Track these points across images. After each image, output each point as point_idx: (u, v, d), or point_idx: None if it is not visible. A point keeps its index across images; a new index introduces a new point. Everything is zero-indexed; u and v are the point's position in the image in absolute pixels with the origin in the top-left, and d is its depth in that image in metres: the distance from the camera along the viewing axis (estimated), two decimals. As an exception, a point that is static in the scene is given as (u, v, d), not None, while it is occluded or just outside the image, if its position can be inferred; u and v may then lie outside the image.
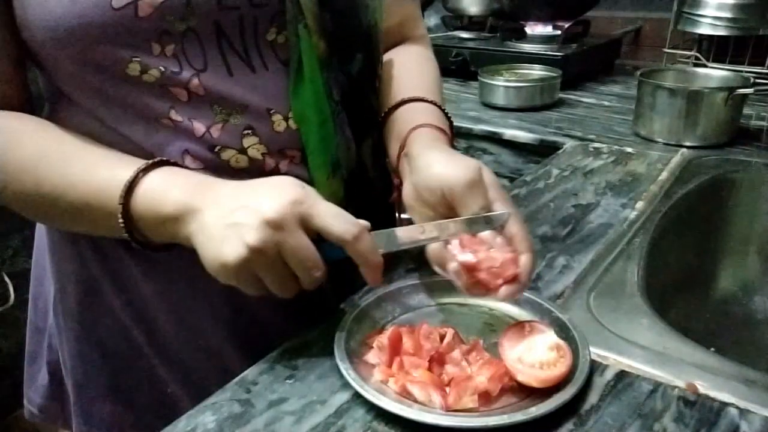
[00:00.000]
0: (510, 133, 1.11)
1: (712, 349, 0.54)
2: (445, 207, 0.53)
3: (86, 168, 0.52)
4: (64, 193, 0.52)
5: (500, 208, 0.52)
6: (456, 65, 1.46)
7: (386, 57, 0.72)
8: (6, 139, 0.53)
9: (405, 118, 0.64)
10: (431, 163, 0.55)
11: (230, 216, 0.46)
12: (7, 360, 1.65)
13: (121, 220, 0.50)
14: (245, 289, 0.48)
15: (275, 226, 0.45)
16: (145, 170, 0.50)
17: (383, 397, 0.45)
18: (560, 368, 0.46)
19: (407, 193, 0.57)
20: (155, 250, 0.53)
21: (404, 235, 0.52)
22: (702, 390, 0.48)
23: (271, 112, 0.56)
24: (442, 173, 0.53)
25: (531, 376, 0.46)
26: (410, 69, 0.72)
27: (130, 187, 0.49)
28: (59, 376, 0.71)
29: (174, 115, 0.53)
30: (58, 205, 0.53)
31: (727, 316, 0.88)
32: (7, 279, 1.54)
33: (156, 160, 0.51)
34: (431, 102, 0.66)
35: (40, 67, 0.56)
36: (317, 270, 0.48)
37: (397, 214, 0.66)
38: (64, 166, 0.52)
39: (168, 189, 0.50)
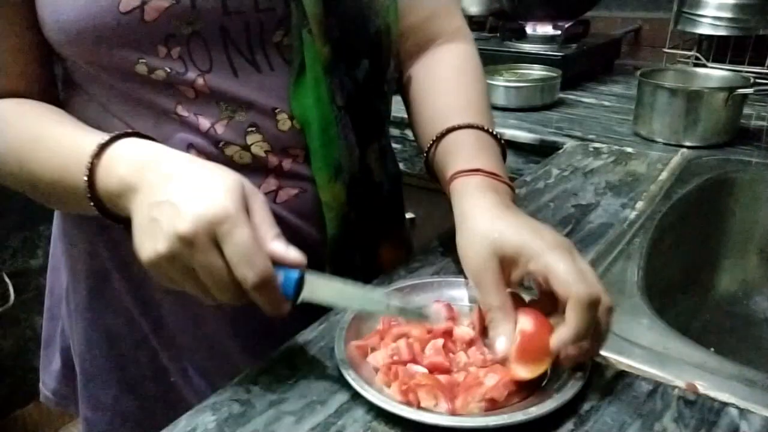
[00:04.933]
0: (510, 133, 1.11)
1: (712, 349, 0.54)
2: (525, 277, 0.48)
3: (53, 144, 0.52)
4: (38, 172, 0.53)
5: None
6: (456, 65, 1.46)
7: (422, 63, 0.68)
8: (1, 124, 0.54)
9: (451, 160, 0.58)
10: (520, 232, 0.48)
11: (155, 209, 0.44)
12: (8, 360, 1.65)
13: (89, 195, 0.48)
14: (161, 282, 0.47)
15: (185, 242, 0.42)
16: (107, 144, 0.49)
17: (383, 397, 0.45)
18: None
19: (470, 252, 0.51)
20: (116, 221, 0.51)
21: (327, 293, 0.48)
22: (702, 390, 0.48)
23: (276, 111, 0.56)
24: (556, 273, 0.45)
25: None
26: (453, 83, 0.66)
27: (92, 162, 0.48)
28: (71, 362, 0.73)
29: (180, 111, 0.54)
30: (37, 185, 0.54)
31: (727, 316, 0.88)
32: (7, 279, 1.54)
33: (121, 132, 0.50)
34: (480, 127, 0.60)
35: (59, 60, 0.58)
36: (227, 292, 0.44)
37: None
38: (38, 145, 0.53)
39: (117, 164, 0.48)
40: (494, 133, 0.62)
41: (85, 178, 0.48)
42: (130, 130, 0.51)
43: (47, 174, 0.52)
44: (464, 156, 0.58)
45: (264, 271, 0.43)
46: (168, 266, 0.44)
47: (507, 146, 0.65)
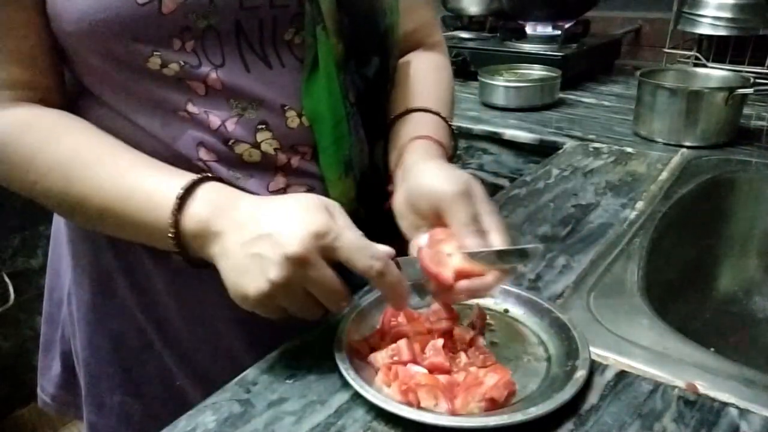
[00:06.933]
0: (510, 133, 1.11)
1: (712, 349, 0.54)
2: (435, 217, 0.53)
3: (115, 173, 0.52)
4: (90, 195, 0.52)
5: (488, 221, 0.52)
6: (456, 65, 1.46)
7: (401, 62, 0.72)
8: (42, 136, 0.53)
9: (406, 129, 0.64)
10: (422, 174, 0.55)
11: (252, 245, 0.46)
12: (8, 360, 1.65)
13: (171, 235, 0.49)
14: (268, 315, 0.49)
15: (297, 262, 0.45)
16: (193, 186, 0.50)
17: (383, 397, 0.45)
18: None
19: (399, 201, 0.57)
20: (196, 266, 0.52)
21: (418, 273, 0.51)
22: (702, 390, 0.48)
23: (285, 108, 0.56)
24: (433, 184, 0.53)
25: None
26: (422, 76, 0.71)
27: (179, 204, 0.49)
28: (71, 367, 0.73)
29: (191, 108, 0.54)
30: (85, 207, 0.53)
31: (727, 316, 0.88)
32: (7, 279, 1.53)
33: (197, 177, 0.51)
34: (436, 113, 0.66)
35: (65, 60, 0.57)
36: (343, 300, 0.48)
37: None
38: (94, 168, 0.52)
39: (196, 206, 0.49)
40: (448, 121, 0.67)
41: (171, 221, 0.49)
42: (204, 175, 0.51)
43: (112, 204, 0.51)
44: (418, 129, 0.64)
45: (385, 253, 0.48)
46: (281, 293, 0.46)
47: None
